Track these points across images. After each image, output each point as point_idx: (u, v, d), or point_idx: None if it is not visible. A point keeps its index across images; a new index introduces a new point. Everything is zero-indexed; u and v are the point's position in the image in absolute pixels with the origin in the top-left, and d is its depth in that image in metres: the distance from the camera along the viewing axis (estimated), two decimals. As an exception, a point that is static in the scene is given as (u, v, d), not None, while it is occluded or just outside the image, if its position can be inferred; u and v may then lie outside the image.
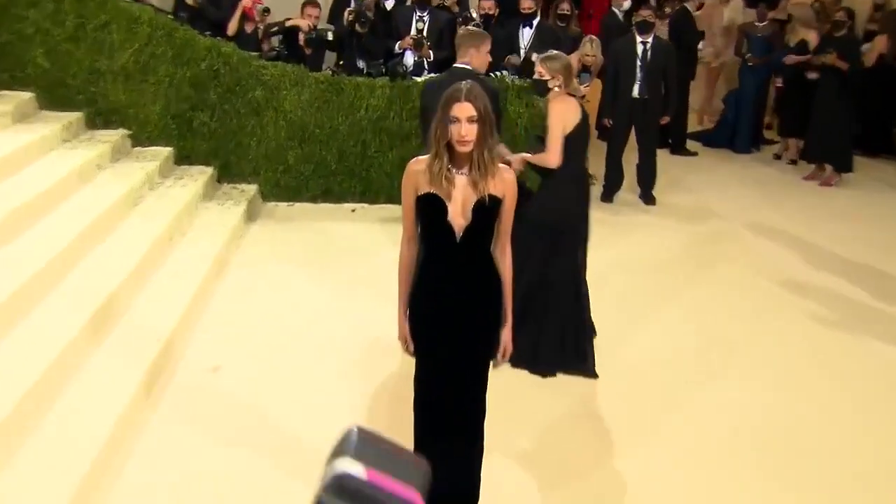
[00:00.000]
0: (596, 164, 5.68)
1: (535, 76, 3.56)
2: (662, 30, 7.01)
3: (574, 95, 3.54)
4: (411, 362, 2.45)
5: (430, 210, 2.21)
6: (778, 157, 8.05)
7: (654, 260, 5.34)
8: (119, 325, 3.64)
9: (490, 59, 3.60)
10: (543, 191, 3.58)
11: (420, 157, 2.23)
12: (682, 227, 5.99)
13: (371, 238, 5.33)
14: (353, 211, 5.95)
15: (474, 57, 3.66)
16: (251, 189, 5.99)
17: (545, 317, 3.52)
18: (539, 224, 3.48)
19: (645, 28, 6.16)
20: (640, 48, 6.25)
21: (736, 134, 8.41)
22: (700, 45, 8.39)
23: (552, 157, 3.45)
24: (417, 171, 2.23)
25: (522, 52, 6.25)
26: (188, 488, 2.76)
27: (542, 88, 3.55)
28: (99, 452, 2.79)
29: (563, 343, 3.56)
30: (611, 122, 6.36)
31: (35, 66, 5.47)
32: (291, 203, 6.03)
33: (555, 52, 3.58)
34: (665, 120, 6.42)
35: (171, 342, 3.69)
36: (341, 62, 6.17)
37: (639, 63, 6.23)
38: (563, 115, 3.43)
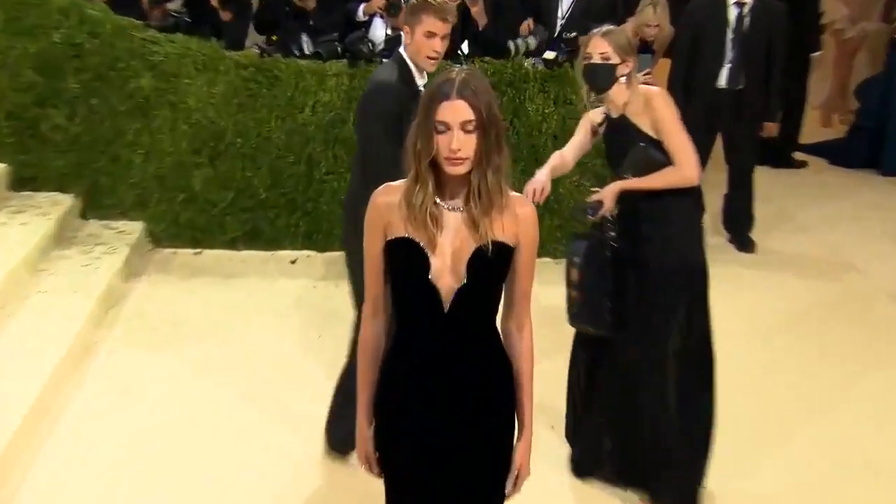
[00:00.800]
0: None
1: (591, 59, 3.52)
2: None
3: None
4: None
5: (403, 263, 2.26)
6: None
7: (758, 341, 5.24)
8: None
9: (432, 42, 3.53)
10: (666, 224, 3.62)
11: (392, 184, 2.28)
12: (795, 288, 6.02)
13: (320, 304, 5.31)
14: (294, 262, 6.01)
15: (407, 45, 3.62)
16: (134, 229, 5.94)
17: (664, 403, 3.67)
18: (675, 272, 3.60)
19: None
20: (732, 13, 6.18)
21: (882, 145, 8.19)
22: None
23: (691, 168, 3.53)
24: (387, 205, 2.26)
25: (559, 23, 6.21)
26: None
27: (607, 78, 3.53)
28: None
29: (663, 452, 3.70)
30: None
31: None
32: (198, 250, 6.04)
33: (612, 26, 3.65)
34: (770, 128, 6.26)
35: None
36: (275, 36, 6.06)
37: (730, 36, 6.16)
38: (674, 110, 3.55)
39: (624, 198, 3.62)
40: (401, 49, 3.61)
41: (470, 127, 2.13)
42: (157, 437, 4.08)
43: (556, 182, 5.94)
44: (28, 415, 3.95)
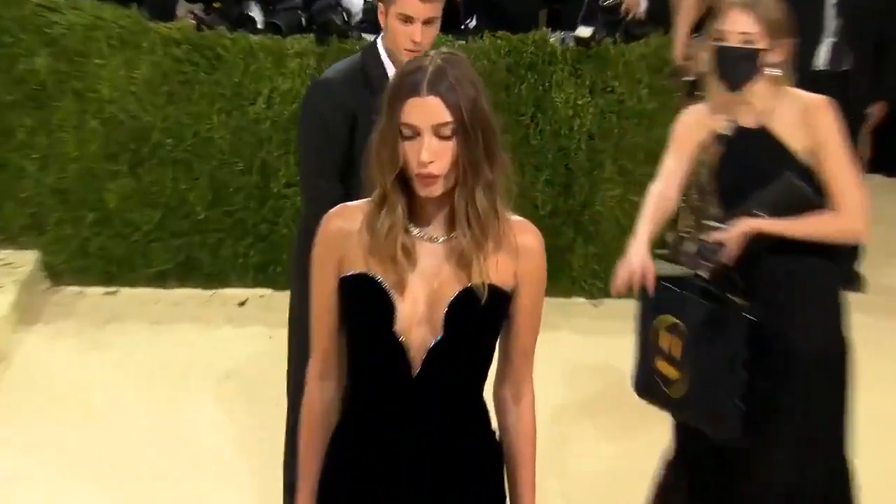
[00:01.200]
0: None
1: (725, 39, 3.28)
2: None
3: None
4: None
5: (361, 309, 2.28)
6: None
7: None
8: None
9: (408, 29, 3.36)
10: (806, 287, 3.42)
11: (350, 205, 2.34)
12: None
13: (278, 362, 4.91)
14: (243, 304, 5.95)
15: (384, 33, 3.53)
16: (26, 260, 5.82)
17: None
18: (822, 356, 3.43)
19: None
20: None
21: None
22: None
23: (859, 217, 3.34)
24: (341, 232, 2.30)
25: None
26: None
27: (747, 69, 3.30)
28: None
29: None
30: None
31: None
32: (113, 289, 5.92)
33: None
34: (878, 109, 6.19)
35: None
36: (216, 3, 5.90)
37: (831, 6, 6.00)
38: (843, 132, 3.39)
39: (751, 244, 3.40)
40: (378, 37, 3.56)
41: (446, 131, 2.11)
42: None
43: (591, 194, 5.92)
44: None
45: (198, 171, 5.75)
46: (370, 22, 5.73)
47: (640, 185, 5.47)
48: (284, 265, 5.87)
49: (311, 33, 5.68)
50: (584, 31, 5.82)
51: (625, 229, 5.81)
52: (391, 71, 3.28)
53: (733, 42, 3.28)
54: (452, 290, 2.21)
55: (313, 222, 2.43)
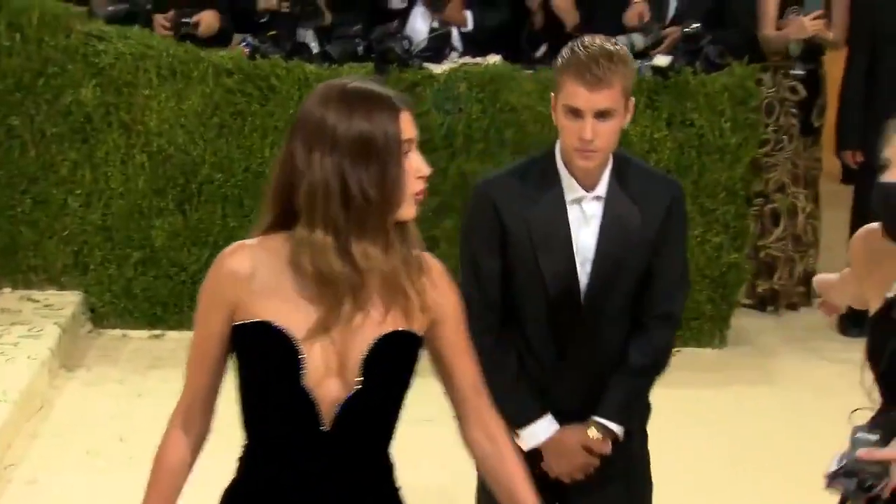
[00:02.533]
0: (834, 246, 6.24)
1: (891, 172, 2.66)
2: None
3: None
4: None
5: (263, 360, 2.18)
6: None
7: None
8: None
9: (576, 126, 2.94)
10: None
11: (247, 243, 2.20)
12: None
13: None
14: None
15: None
16: (68, 302, 5.77)
17: None
18: None
19: None
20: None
21: None
22: None
23: None
24: (242, 276, 2.18)
25: (671, 11, 6.08)
26: None
27: None
28: None
29: None
30: (861, 157, 6.08)
31: None
32: (160, 332, 5.86)
33: None
34: None
35: None
36: (272, 31, 5.85)
37: None
38: None
39: None
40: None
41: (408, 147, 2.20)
42: None
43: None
44: None
45: (248, 207, 5.64)
46: (434, 50, 5.81)
47: (721, 224, 5.77)
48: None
49: (369, 62, 5.60)
50: (662, 60, 5.68)
51: (704, 272, 5.73)
52: (564, 176, 2.89)
53: None
54: (370, 336, 2.15)
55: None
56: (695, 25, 5.76)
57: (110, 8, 5.82)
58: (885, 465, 2.60)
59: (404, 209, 2.12)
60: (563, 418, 2.95)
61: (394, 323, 2.16)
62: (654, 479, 3.34)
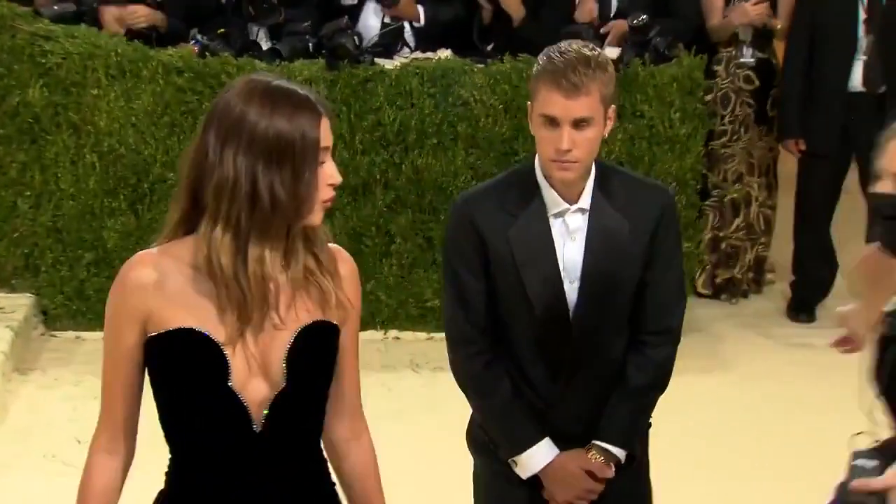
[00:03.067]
0: (780, 236, 6.46)
1: (883, 187, 2.66)
2: None
3: None
4: None
5: (187, 367, 2.17)
6: None
7: None
8: None
9: (552, 135, 2.86)
10: None
11: (153, 251, 2.20)
12: None
13: None
14: None
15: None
16: (20, 305, 5.81)
17: None
18: None
19: None
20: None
21: None
22: None
23: None
24: (151, 285, 2.16)
25: (614, 5, 6.17)
26: None
27: None
28: None
29: None
30: (803, 145, 6.21)
31: None
32: None
33: None
34: None
35: None
36: (222, 28, 5.85)
37: (861, 20, 6.02)
38: None
39: None
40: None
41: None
42: None
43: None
44: None
45: (203, 209, 5.71)
46: (385, 46, 5.84)
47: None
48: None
49: (319, 58, 5.61)
50: (612, 52, 5.56)
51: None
52: (545, 189, 2.82)
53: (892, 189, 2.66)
54: (289, 332, 2.16)
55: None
56: (643, 17, 5.76)
57: (56, 7, 5.81)
58: (881, 496, 2.56)
59: (313, 215, 2.13)
60: (565, 443, 2.89)
61: (310, 316, 2.16)
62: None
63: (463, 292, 2.84)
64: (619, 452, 2.84)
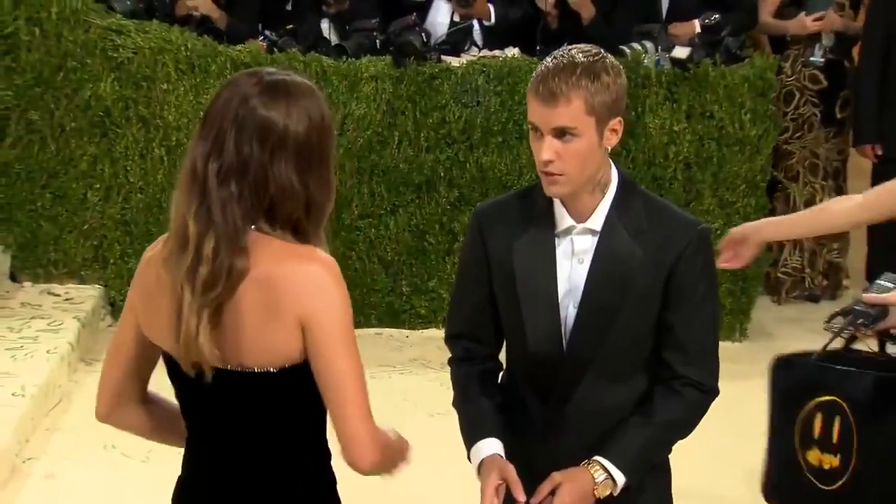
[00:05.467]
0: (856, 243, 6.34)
1: None
2: None
3: None
4: None
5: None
6: None
7: None
8: None
9: (536, 145, 2.73)
10: None
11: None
12: None
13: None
14: None
15: None
16: (89, 296, 5.88)
17: None
18: None
19: None
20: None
21: None
22: None
23: None
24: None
25: (664, 5, 6.27)
26: None
27: None
28: None
29: None
30: (880, 150, 6.05)
31: None
32: None
33: None
34: None
35: None
36: (290, 24, 5.91)
37: None
38: None
39: None
40: None
41: None
42: None
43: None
44: None
45: (268, 201, 5.76)
46: (453, 44, 5.86)
47: (742, 217, 5.63)
48: (358, 302, 5.77)
49: (387, 55, 5.63)
50: (681, 52, 5.72)
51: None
52: (556, 205, 2.70)
53: None
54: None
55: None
56: (714, 16, 5.74)
57: (128, 2, 5.85)
58: (883, 310, 2.87)
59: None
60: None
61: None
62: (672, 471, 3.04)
63: (460, 297, 2.81)
64: (620, 478, 2.64)
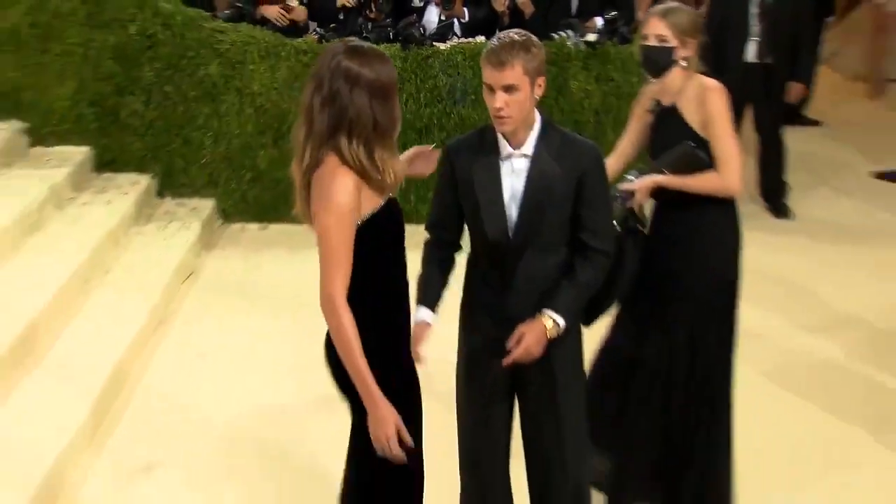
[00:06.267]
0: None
1: (647, 40, 3.26)
2: None
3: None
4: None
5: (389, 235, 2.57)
6: None
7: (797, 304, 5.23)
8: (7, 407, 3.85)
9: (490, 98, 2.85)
10: (697, 232, 3.33)
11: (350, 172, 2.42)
12: (828, 252, 5.97)
13: None
14: None
15: None
16: (206, 206, 6.14)
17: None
18: (710, 306, 3.33)
19: None
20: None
21: None
22: None
23: (735, 178, 3.22)
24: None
25: (573, 7, 6.49)
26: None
27: (662, 62, 3.25)
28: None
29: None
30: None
31: None
32: (265, 224, 6.19)
33: (675, 3, 3.34)
34: (797, 89, 6.39)
35: (86, 426, 3.87)
36: (333, 24, 6.23)
37: (754, 11, 6.17)
38: (728, 111, 3.22)
39: (658, 193, 3.33)
40: None
41: None
42: (231, 400, 4.21)
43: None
44: (111, 375, 4.22)
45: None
46: (440, 35, 6.19)
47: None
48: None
49: (396, 43, 5.95)
50: (591, 37, 6.05)
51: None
52: (500, 138, 2.75)
53: (652, 42, 3.22)
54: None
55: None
56: (613, 13, 6.09)
57: (227, 12, 6.23)
58: (630, 192, 3.20)
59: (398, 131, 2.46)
60: (513, 323, 2.82)
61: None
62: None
63: (437, 201, 2.90)
64: (562, 322, 2.77)
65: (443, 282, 2.86)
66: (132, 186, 5.96)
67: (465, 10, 6.37)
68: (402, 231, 2.60)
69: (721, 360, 3.39)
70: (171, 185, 6.21)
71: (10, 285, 4.45)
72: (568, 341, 2.81)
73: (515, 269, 2.76)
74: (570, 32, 6.12)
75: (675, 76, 3.24)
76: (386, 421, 2.53)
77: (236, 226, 6.26)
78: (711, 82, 3.24)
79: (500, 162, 2.72)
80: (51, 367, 4.17)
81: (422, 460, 2.71)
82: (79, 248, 4.96)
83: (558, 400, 2.87)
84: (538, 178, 2.71)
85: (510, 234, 2.73)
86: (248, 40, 6.03)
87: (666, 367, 3.38)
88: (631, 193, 3.23)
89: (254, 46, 6.02)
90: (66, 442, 3.71)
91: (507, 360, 2.74)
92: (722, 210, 3.31)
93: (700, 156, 3.20)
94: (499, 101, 2.61)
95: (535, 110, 2.72)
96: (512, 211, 2.72)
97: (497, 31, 5.92)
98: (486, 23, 6.31)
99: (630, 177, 3.28)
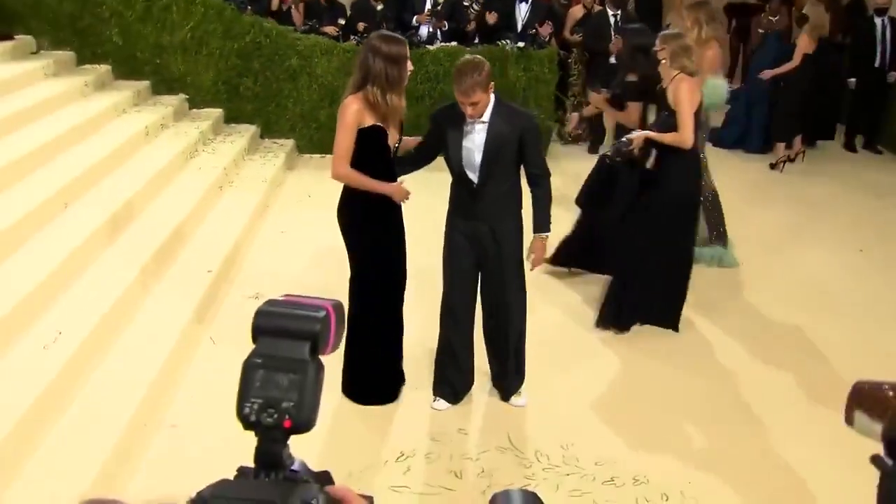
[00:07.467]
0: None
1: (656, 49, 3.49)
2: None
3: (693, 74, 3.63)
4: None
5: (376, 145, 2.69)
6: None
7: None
8: (177, 261, 4.26)
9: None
10: (674, 172, 3.65)
11: (357, 95, 2.60)
12: None
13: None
14: None
15: None
16: (289, 144, 6.71)
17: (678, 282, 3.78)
18: (678, 205, 3.67)
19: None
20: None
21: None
22: None
23: (687, 136, 3.51)
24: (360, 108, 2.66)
25: (520, 25, 6.99)
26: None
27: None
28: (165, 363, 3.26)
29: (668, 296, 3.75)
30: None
31: (111, 43, 6.36)
32: (323, 155, 6.48)
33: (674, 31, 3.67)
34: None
35: (219, 274, 4.21)
36: (364, 34, 6.49)
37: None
38: (693, 94, 3.54)
39: (654, 144, 3.61)
40: None
41: None
42: (328, 250, 4.21)
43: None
44: (232, 246, 4.44)
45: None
46: (429, 41, 6.83)
47: (546, 114, 6.47)
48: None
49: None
50: (521, 44, 6.75)
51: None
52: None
53: (656, 48, 3.41)
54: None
55: None
56: (534, 30, 6.72)
57: (302, 27, 6.85)
58: (631, 140, 3.50)
59: (405, 82, 2.60)
60: (480, 223, 2.88)
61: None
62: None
63: (423, 140, 3.05)
64: (545, 232, 2.93)
65: (413, 162, 3.01)
66: (246, 132, 6.49)
67: (445, 23, 7.00)
68: (387, 142, 2.75)
69: (677, 228, 3.66)
70: (269, 131, 6.75)
71: (176, 194, 4.87)
72: (511, 226, 2.96)
73: (483, 189, 2.91)
74: (508, 41, 6.72)
75: (662, 70, 3.60)
76: (395, 190, 2.77)
77: (306, 156, 6.76)
78: (683, 76, 3.53)
79: (465, 126, 2.89)
80: (197, 245, 4.44)
81: (402, 301, 2.90)
82: (216, 168, 5.46)
83: (503, 262, 3.00)
84: (494, 136, 2.84)
85: (477, 171, 2.87)
86: (315, 43, 6.64)
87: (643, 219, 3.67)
88: (630, 141, 3.63)
89: (318, 48, 6.61)
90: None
91: (531, 268, 2.95)
92: (688, 154, 3.63)
93: (673, 121, 3.50)
94: (468, 110, 2.83)
95: (492, 93, 2.89)
96: (477, 157, 2.88)
97: (471, 37, 6.67)
98: (457, 33, 6.99)
99: (627, 137, 3.70)
